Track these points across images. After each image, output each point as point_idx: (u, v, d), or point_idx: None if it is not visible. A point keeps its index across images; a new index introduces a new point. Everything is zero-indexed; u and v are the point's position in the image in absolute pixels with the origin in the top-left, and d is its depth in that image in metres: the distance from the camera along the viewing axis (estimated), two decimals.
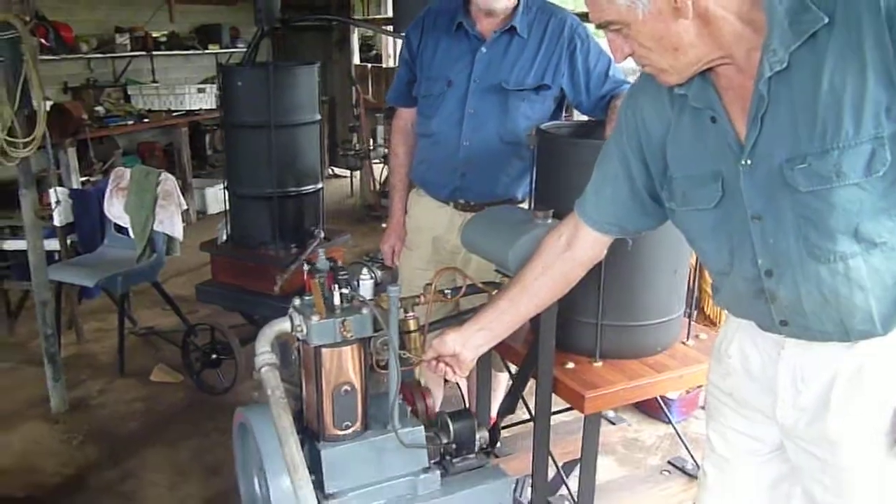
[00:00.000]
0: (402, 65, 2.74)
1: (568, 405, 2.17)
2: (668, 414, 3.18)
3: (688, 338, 2.27)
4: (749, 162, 1.35)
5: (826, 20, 1.22)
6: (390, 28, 5.21)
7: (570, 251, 1.72)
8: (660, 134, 1.52)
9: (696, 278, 2.68)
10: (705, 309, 3.62)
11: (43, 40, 3.49)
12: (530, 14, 2.50)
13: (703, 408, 2.07)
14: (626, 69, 2.52)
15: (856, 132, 1.22)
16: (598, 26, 1.38)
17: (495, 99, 2.49)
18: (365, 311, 1.81)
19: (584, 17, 1.61)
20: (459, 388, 3.04)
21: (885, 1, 1.17)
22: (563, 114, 2.65)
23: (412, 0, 3.96)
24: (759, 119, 1.31)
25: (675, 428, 2.87)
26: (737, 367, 1.63)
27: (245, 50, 4.41)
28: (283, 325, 1.83)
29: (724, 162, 1.40)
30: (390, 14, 7.40)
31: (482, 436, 1.97)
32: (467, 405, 2.85)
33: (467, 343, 1.80)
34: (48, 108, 5.58)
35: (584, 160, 1.98)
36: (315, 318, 1.76)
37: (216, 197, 6.87)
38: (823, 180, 1.27)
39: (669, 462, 2.57)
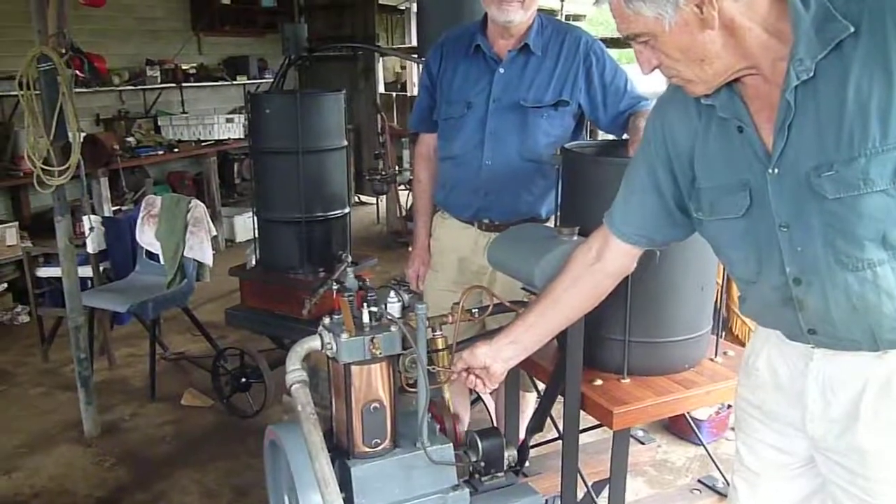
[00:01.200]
0: (423, 91, 2.79)
1: (597, 422, 2.17)
2: (699, 434, 3.16)
3: (716, 354, 2.27)
4: (776, 171, 1.36)
5: (852, 29, 1.23)
6: (415, 56, 5.28)
7: (600, 263, 1.73)
8: (687, 145, 1.54)
9: (724, 297, 2.68)
10: (734, 329, 3.60)
11: (78, 72, 3.55)
12: (545, 33, 2.54)
13: (733, 429, 2.06)
14: (648, 93, 2.55)
15: (883, 139, 1.23)
16: (626, 38, 1.40)
17: (514, 117, 2.53)
18: (393, 328, 1.83)
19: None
20: (487, 409, 3.05)
21: None
22: (584, 132, 2.67)
23: (435, 28, 4.01)
24: (787, 128, 1.32)
25: (705, 448, 2.85)
26: (765, 380, 1.62)
27: (272, 80, 4.50)
28: (313, 342, 1.85)
29: (751, 171, 1.41)
30: (414, 43, 7.48)
31: (511, 454, 1.98)
32: (495, 424, 2.85)
33: (497, 356, 1.82)
34: (81, 139, 5.75)
35: (609, 178, 2.01)
36: (344, 336, 1.79)
37: (245, 225, 6.96)
38: (850, 187, 1.27)
39: (699, 481, 2.55)
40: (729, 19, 1.29)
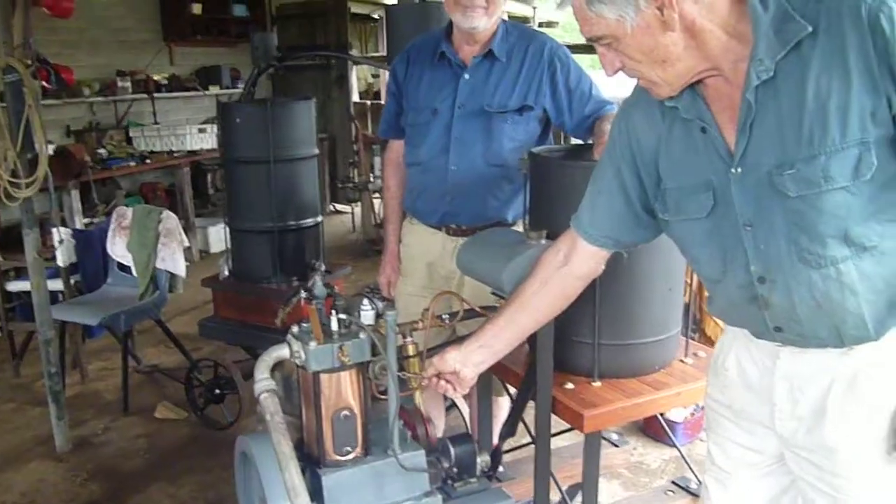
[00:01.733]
0: (390, 97, 2.81)
1: (569, 426, 2.17)
2: (673, 437, 3.17)
3: (686, 355, 2.28)
4: (739, 170, 1.38)
5: (810, 29, 1.25)
6: (385, 64, 5.29)
7: (568, 266, 1.73)
8: (652, 146, 1.55)
9: (696, 299, 2.70)
10: (706, 330, 3.63)
11: (45, 83, 3.52)
12: (510, 40, 2.57)
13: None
14: (613, 98, 2.57)
15: (842, 137, 1.25)
16: (589, 40, 1.41)
17: (479, 123, 2.55)
18: (362, 335, 1.82)
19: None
20: (462, 415, 3.05)
21: (865, 9, 1.21)
22: (550, 136, 2.68)
23: (404, 37, 4.02)
24: (748, 127, 1.34)
25: (679, 450, 2.87)
26: (734, 379, 1.64)
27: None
28: (281, 351, 1.84)
29: (714, 171, 1.43)
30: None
31: (484, 459, 1.97)
32: (470, 431, 2.85)
33: (467, 360, 1.82)
34: (51, 152, 5.69)
35: (575, 182, 2.02)
36: (313, 344, 1.78)
37: (219, 235, 6.91)
38: (812, 185, 1.29)
39: (673, 482, 2.57)
40: (690, 21, 1.30)
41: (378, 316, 1.91)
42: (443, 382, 1.87)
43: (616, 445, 3.09)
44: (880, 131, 1.24)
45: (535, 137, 2.59)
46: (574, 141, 2.76)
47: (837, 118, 1.25)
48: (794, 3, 1.27)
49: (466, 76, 2.57)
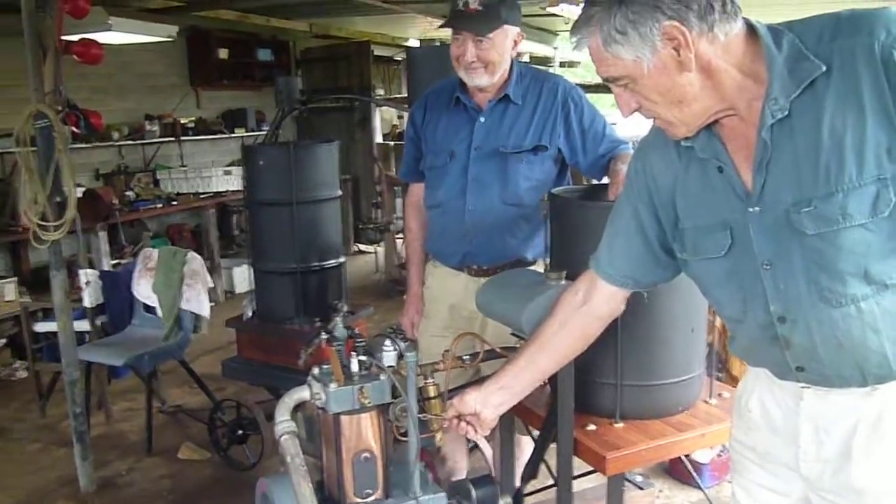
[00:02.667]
0: (409, 143, 2.89)
1: (591, 468, 2.15)
2: (699, 479, 3.13)
3: (710, 396, 2.26)
4: (757, 209, 1.38)
5: (823, 68, 1.26)
6: (405, 106, 5.36)
7: (587, 306, 1.73)
8: (669, 186, 1.56)
9: (721, 338, 2.67)
10: (732, 370, 3.58)
11: (74, 128, 3.60)
12: (524, 82, 2.62)
13: None
14: (627, 137, 2.59)
15: (859, 174, 1.25)
16: (605, 80, 1.42)
17: (495, 163, 2.59)
18: (383, 377, 1.83)
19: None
20: (485, 457, 3.02)
21: (879, 46, 1.22)
22: (567, 176, 2.70)
23: (424, 78, 4.08)
24: (765, 166, 1.35)
25: (704, 493, 2.83)
26: (758, 421, 1.62)
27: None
28: (302, 393, 1.86)
29: (732, 210, 1.43)
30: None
31: (506, 502, 1.96)
32: (493, 472, 2.82)
33: (487, 402, 1.81)
34: (80, 194, 5.79)
35: (594, 222, 2.02)
36: (333, 386, 1.79)
37: (244, 276, 6.97)
38: (830, 223, 1.29)
39: None
40: (706, 62, 1.31)
41: (400, 357, 1.90)
42: (463, 424, 1.86)
43: (641, 488, 3.05)
44: (894, 168, 1.24)
45: (551, 177, 2.62)
46: (594, 180, 2.76)
47: (853, 155, 1.25)
48: (807, 42, 1.28)
49: (482, 119, 2.62)
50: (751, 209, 1.39)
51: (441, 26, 2.57)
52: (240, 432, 3.92)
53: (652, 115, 1.44)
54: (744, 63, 1.32)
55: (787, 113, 1.30)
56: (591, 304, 1.73)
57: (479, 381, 2.17)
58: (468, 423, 1.86)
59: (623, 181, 1.92)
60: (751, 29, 1.33)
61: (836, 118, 1.26)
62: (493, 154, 2.59)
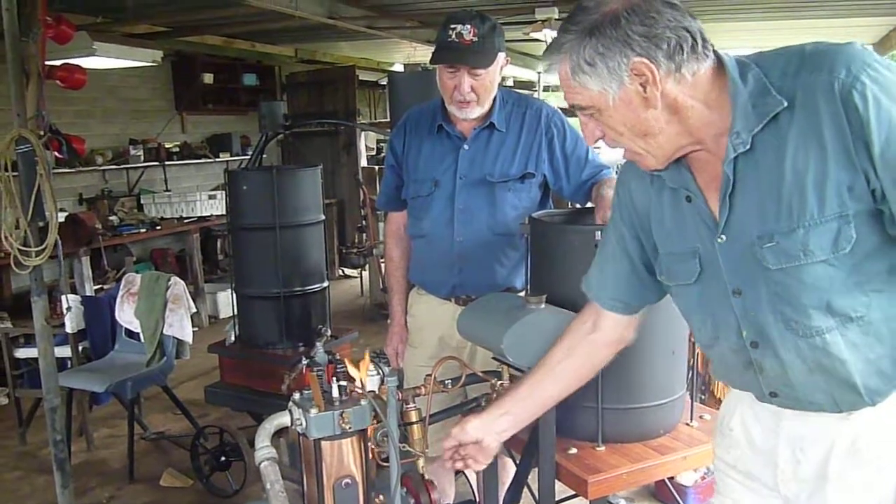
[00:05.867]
0: (389, 170, 2.79)
1: (573, 492, 2.15)
2: (682, 502, 3.12)
3: (691, 419, 2.26)
4: (724, 238, 1.40)
5: (785, 104, 1.27)
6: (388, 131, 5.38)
7: (596, 333, 1.73)
8: (646, 211, 1.58)
9: (703, 360, 2.68)
10: (715, 392, 3.59)
11: (57, 153, 3.59)
12: (507, 108, 2.57)
13: None
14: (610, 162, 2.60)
15: (820, 211, 1.27)
16: (571, 107, 1.43)
17: (482, 193, 2.55)
18: (363, 402, 1.82)
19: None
20: (469, 481, 3.01)
21: (839, 85, 1.22)
22: (550, 201, 2.69)
23: (406, 103, 4.10)
24: (728, 198, 1.36)
25: None
26: (740, 440, 1.63)
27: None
28: (282, 419, 1.84)
29: (700, 239, 1.45)
30: None
31: None
32: (476, 498, 2.81)
33: (489, 429, 1.78)
34: (63, 219, 5.76)
35: (575, 246, 2.04)
36: (314, 411, 1.78)
37: (227, 301, 6.92)
38: (791, 258, 1.31)
39: None
40: (672, 100, 1.33)
41: (382, 381, 1.90)
42: (459, 458, 1.83)
43: None
44: (859, 206, 1.25)
45: (536, 203, 2.59)
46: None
47: (815, 192, 1.27)
48: (772, 76, 1.30)
49: (466, 147, 2.57)
50: (718, 240, 1.41)
51: (435, 61, 2.47)
52: (223, 459, 3.88)
53: (616, 145, 1.45)
54: (710, 97, 1.34)
55: (749, 147, 1.31)
56: (599, 332, 1.73)
57: (461, 405, 2.18)
58: (467, 453, 1.83)
59: (609, 205, 1.95)
60: (720, 62, 1.34)
61: (799, 154, 1.27)
62: (479, 183, 2.55)
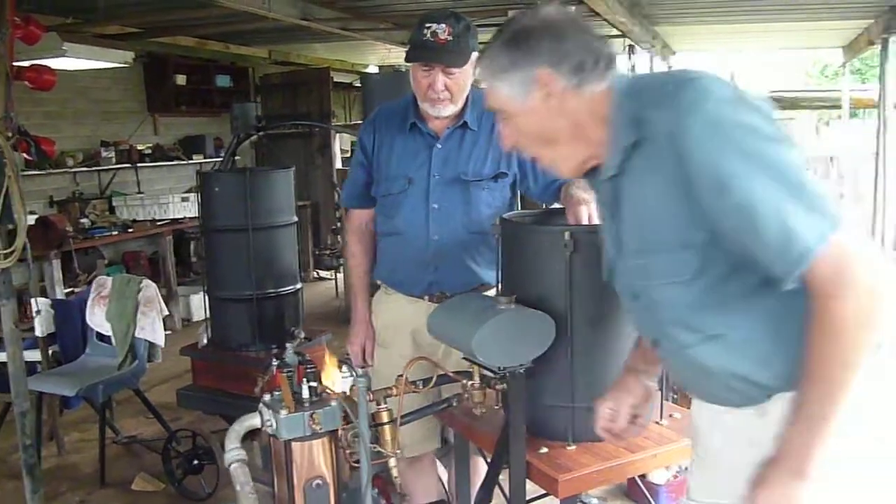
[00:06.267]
0: (358, 167, 2.76)
1: (544, 491, 2.16)
2: (654, 500, 3.15)
3: (661, 417, 2.28)
4: (615, 251, 1.54)
5: (634, 139, 1.37)
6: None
7: None
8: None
9: None
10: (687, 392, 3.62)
11: (25, 154, 3.56)
12: (478, 108, 2.56)
13: None
14: None
15: (667, 238, 1.37)
16: (488, 109, 1.55)
17: (457, 191, 2.55)
18: (334, 403, 1.83)
19: None
20: (441, 480, 3.01)
21: (674, 124, 1.29)
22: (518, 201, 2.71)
23: (379, 102, 4.10)
24: (612, 217, 1.50)
25: None
26: (697, 429, 1.70)
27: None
28: (252, 420, 1.85)
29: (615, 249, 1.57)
30: None
31: None
32: (448, 497, 2.82)
33: (646, 361, 1.79)
34: (33, 222, 5.70)
35: (545, 246, 2.06)
36: (284, 412, 1.78)
37: (201, 304, 6.86)
38: (646, 278, 1.44)
39: None
40: (573, 112, 1.44)
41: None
42: (637, 415, 1.84)
43: None
44: (700, 235, 1.33)
45: (507, 202, 2.61)
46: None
47: (663, 221, 1.37)
48: (644, 103, 1.37)
49: (439, 146, 2.57)
50: (617, 251, 1.54)
51: (410, 59, 2.47)
52: (195, 462, 3.85)
53: (527, 151, 1.56)
54: (605, 118, 1.43)
55: (615, 173, 1.42)
56: None
57: (434, 405, 2.19)
58: (639, 414, 1.84)
59: (579, 204, 2.14)
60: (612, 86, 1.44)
61: (647, 185, 1.37)
62: (453, 181, 2.55)
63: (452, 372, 2.10)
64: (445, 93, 2.45)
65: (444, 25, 2.39)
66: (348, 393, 1.96)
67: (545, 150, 1.51)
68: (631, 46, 7.96)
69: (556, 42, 1.41)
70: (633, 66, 8.36)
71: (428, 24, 2.40)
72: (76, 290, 6.14)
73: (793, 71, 20.70)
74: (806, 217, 1.23)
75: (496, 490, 2.25)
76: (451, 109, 2.51)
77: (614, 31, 6.80)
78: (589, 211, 2.20)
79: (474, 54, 2.45)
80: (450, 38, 2.39)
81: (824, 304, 1.24)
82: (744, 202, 1.24)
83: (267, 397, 1.84)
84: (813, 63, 20.10)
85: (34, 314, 4.19)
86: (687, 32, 7.86)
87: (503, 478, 2.14)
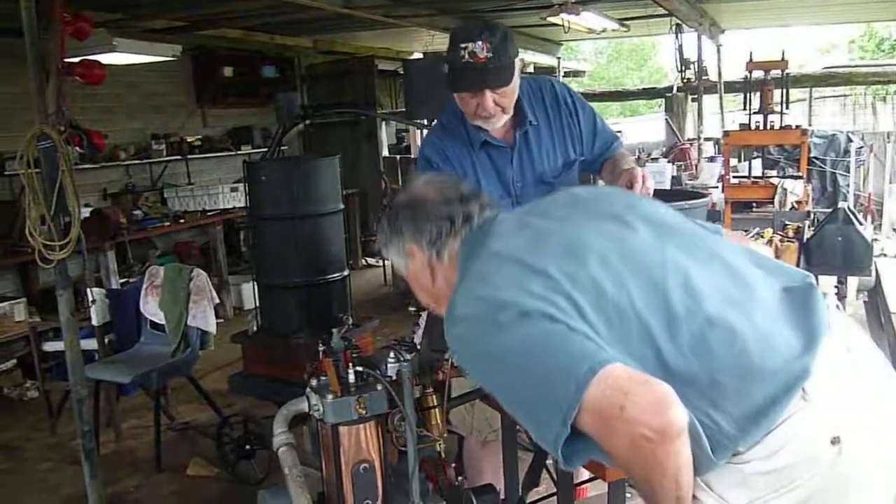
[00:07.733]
0: None
1: (592, 475, 2.15)
2: None
3: None
4: None
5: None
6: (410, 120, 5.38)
7: None
8: None
9: None
10: None
11: (78, 148, 3.64)
12: (527, 98, 2.48)
13: None
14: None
15: None
16: None
17: (541, 193, 2.39)
18: (380, 387, 1.84)
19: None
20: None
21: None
22: None
23: (421, 91, 4.09)
24: None
25: None
26: None
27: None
28: (300, 405, 1.87)
29: None
30: None
31: None
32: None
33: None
34: (88, 214, 5.84)
35: None
36: (330, 397, 1.80)
37: (252, 292, 6.99)
38: None
39: None
40: (443, 274, 1.66)
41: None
42: None
43: None
44: None
45: (578, 179, 2.61)
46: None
47: None
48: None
49: (514, 156, 2.49)
50: None
51: (455, 89, 2.35)
52: (247, 447, 3.92)
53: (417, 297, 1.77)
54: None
55: None
56: None
57: (480, 388, 2.19)
58: None
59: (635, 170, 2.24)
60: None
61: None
62: (536, 184, 2.49)
63: None
64: (496, 108, 2.34)
65: (480, 43, 2.21)
66: (394, 377, 1.98)
67: (426, 297, 1.74)
68: (678, 25, 7.83)
69: (414, 219, 1.67)
70: (681, 47, 8.22)
71: (464, 44, 2.23)
72: (130, 280, 6.28)
73: (842, 50, 20.27)
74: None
75: (543, 475, 2.25)
76: (504, 119, 2.41)
77: (660, 11, 6.68)
78: (643, 173, 2.23)
79: (517, 61, 2.34)
80: (489, 54, 2.21)
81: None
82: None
83: (314, 382, 1.86)
84: (868, 38, 19.48)
85: (90, 304, 4.29)
86: (737, 10, 7.68)
87: (550, 462, 2.14)
